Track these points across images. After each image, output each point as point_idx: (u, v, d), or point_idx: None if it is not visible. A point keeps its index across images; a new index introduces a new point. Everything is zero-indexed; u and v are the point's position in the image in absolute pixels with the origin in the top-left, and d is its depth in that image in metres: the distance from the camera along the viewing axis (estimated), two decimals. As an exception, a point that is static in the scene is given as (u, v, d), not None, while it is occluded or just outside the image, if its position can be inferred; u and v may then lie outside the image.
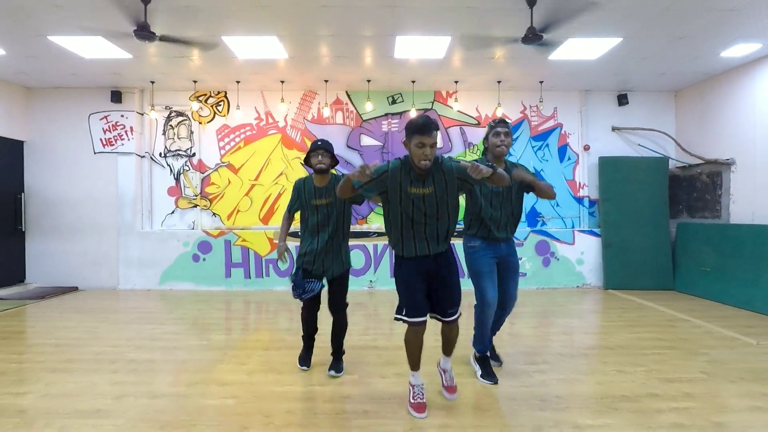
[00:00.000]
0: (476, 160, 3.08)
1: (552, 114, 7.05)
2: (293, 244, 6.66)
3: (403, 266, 2.63)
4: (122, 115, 6.77)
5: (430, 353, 3.15)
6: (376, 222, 6.89)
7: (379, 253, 6.70)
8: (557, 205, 7.06)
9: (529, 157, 7.03)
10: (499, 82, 6.48)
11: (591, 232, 6.87)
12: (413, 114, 6.75)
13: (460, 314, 2.72)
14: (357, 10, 4.22)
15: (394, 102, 6.94)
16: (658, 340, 4.17)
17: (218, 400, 2.82)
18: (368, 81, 6.40)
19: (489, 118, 6.94)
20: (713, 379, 3.19)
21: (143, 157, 6.93)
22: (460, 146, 6.98)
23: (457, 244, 3.19)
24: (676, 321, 4.86)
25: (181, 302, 5.92)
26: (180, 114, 6.96)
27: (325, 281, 3.22)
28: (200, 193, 6.98)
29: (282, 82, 6.44)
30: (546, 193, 3.06)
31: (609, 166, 6.87)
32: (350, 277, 3.34)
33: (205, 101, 6.96)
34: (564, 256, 6.80)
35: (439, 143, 6.95)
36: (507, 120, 3.14)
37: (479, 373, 3.16)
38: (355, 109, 6.94)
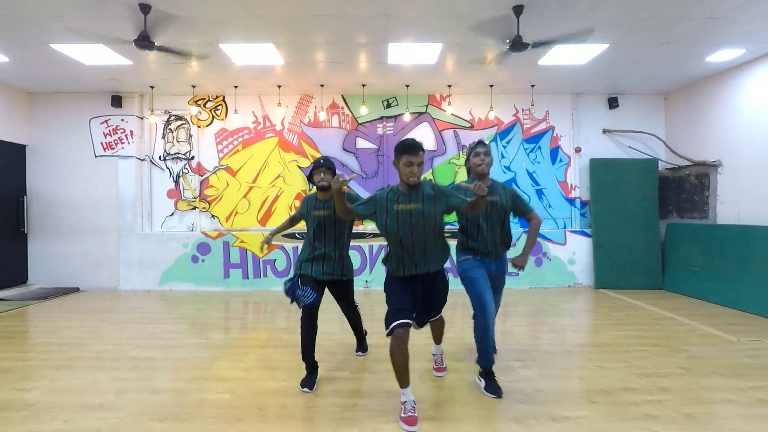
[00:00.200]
0: (465, 181, 3.23)
1: (544, 117, 7.19)
2: (293, 245, 6.83)
3: (392, 281, 2.78)
4: (122, 120, 6.92)
5: (421, 350, 3.30)
6: (371, 223, 7.03)
7: (375, 254, 6.83)
8: (549, 206, 7.20)
9: (521, 159, 7.17)
10: (491, 86, 6.62)
11: (582, 233, 7.01)
12: (407, 117, 6.90)
13: (440, 315, 3.02)
14: (351, 19, 4.36)
15: (389, 106, 7.08)
16: (642, 337, 4.31)
17: (215, 395, 2.96)
18: (363, 85, 6.54)
19: (482, 121, 7.09)
20: (689, 374, 3.32)
21: (143, 160, 7.07)
22: (453, 149, 7.11)
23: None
24: (662, 319, 4.99)
25: (180, 302, 6.05)
26: (179, 118, 7.11)
27: (318, 294, 3.22)
28: (199, 195, 7.13)
29: (279, 86, 6.58)
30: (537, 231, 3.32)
31: (600, 168, 7.01)
32: None
33: (204, 105, 7.10)
34: (556, 257, 6.94)
35: (433, 146, 7.10)
36: (484, 141, 3.25)
37: (483, 386, 3.03)
38: (351, 112, 7.08)
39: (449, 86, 6.64)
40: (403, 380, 2.61)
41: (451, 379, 3.19)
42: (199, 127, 7.11)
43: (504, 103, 7.09)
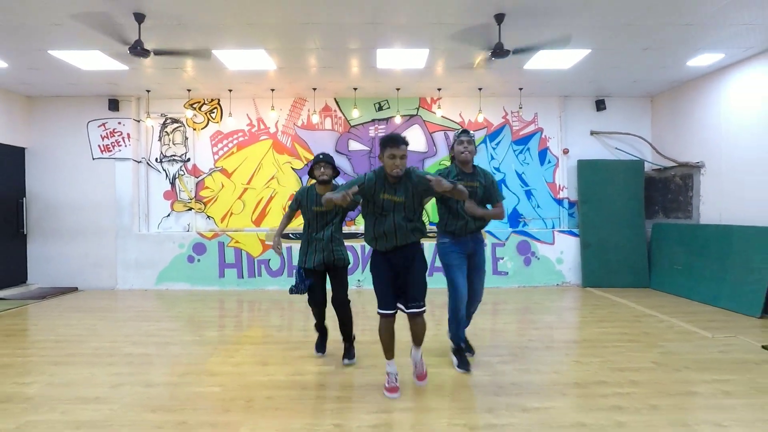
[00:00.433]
0: (448, 167, 3.44)
1: (533, 119, 7.34)
2: (286, 245, 6.98)
3: (376, 259, 3.01)
4: (119, 123, 7.07)
5: (404, 346, 3.44)
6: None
7: (367, 254, 6.97)
8: (538, 206, 7.35)
9: (510, 160, 7.32)
10: (480, 89, 6.78)
11: (570, 233, 7.16)
12: (398, 120, 7.05)
13: (425, 310, 3.00)
14: (340, 27, 4.51)
15: (380, 108, 7.23)
16: (622, 334, 4.46)
17: (206, 388, 3.11)
18: (355, 89, 6.69)
19: (472, 124, 7.24)
20: (661, 369, 3.47)
21: (140, 162, 7.22)
22: (444, 150, 7.26)
23: (429, 244, 3.49)
24: (643, 317, 5.15)
25: (176, 301, 6.20)
26: (175, 121, 7.26)
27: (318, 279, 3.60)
28: (195, 196, 7.27)
29: (272, 90, 6.73)
30: (495, 218, 3.54)
31: (587, 169, 7.16)
32: None
33: (199, 109, 7.25)
34: (544, 256, 7.09)
35: (424, 147, 7.25)
36: (469, 130, 3.48)
37: (456, 363, 3.46)
38: (343, 115, 7.23)
39: (439, 89, 6.80)
40: (389, 354, 3.00)
41: (430, 374, 3.32)
42: (194, 129, 7.26)
43: (493, 105, 7.24)
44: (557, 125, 7.34)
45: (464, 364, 3.43)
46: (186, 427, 2.57)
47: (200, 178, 7.28)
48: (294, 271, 3.58)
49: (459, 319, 3.41)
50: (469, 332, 3.96)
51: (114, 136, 7.07)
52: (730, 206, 5.82)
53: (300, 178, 7.24)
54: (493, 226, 7.13)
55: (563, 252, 7.12)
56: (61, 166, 7.06)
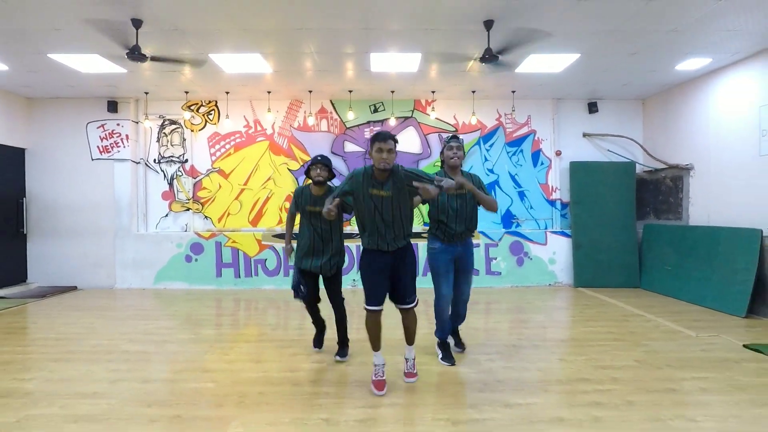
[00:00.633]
0: (437, 173, 3.54)
1: (526, 121, 7.45)
2: (282, 245, 7.09)
3: (366, 258, 3.12)
4: (118, 124, 7.17)
5: (396, 343, 3.56)
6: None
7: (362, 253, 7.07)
8: (531, 207, 7.46)
9: (504, 162, 7.42)
10: (473, 91, 6.88)
11: (562, 233, 7.26)
12: (393, 122, 7.16)
13: (417, 302, 3.20)
14: (334, 32, 4.60)
15: (375, 110, 7.33)
16: (608, 333, 4.56)
17: (200, 384, 3.22)
18: (350, 91, 6.80)
19: (466, 125, 7.34)
20: (643, 367, 3.58)
21: (138, 163, 7.32)
22: (438, 152, 7.36)
23: (423, 245, 3.60)
24: (631, 316, 5.25)
25: (174, 300, 6.30)
26: (173, 122, 7.36)
27: (312, 288, 3.71)
28: (192, 197, 7.38)
29: (269, 92, 6.83)
30: (488, 205, 3.54)
31: (580, 171, 7.26)
32: None
33: (197, 110, 7.35)
34: (537, 256, 7.20)
35: (419, 149, 7.35)
36: (458, 136, 3.62)
37: (440, 356, 3.68)
38: (339, 117, 7.33)
39: (433, 92, 6.90)
40: (375, 343, 3.15)
41: (421, 372, 3.42)
42: (192, 131, 7.36)
43: (487, 108, 7.34)
44: (550, 127, 7.44)
45: (448, 358, 3.62)
46: (180, 420, 2.68)
47: (198, 179, 7.38)
48: (291, 271, 3.72)
49: (443, 320, 3.64)
50: (461, 330, 4.11)
51: (113, 137, 7.17)
52: (718, 208, 5.93)
53: (296, 179, 7.35)
54: (486, 227, 7.25)
55: (555, 252, 7.22)
56: (60, 166, 7.16)
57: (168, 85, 6.51)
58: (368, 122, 7.34)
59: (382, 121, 7.33)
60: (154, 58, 4.66)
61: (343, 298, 3.81)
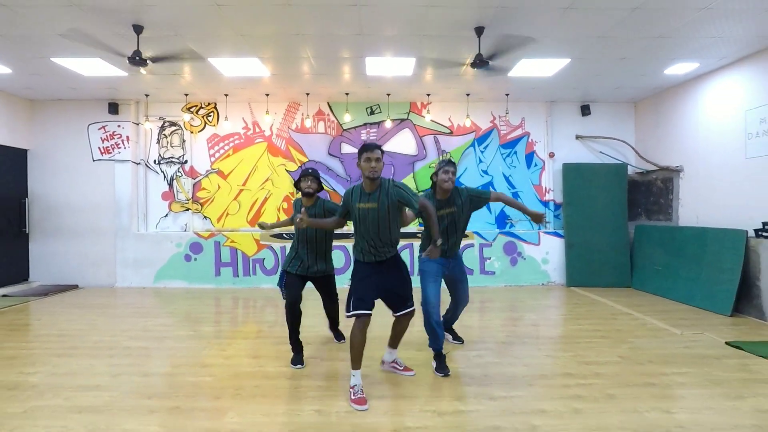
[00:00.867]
0: (424, 191, 3.72)
1: (520, 123, 7.58)
2: (281, 245, 7.22)
3: (357, 268, 3.19)
4: (119, 126, 7.30)
5: (378, 344, 3.68)
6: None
7: (358, 253, 7.21)
8: (525, 208, 7.58)
9: (498, 163, 7.55)
10: (468, 94, 7.01)
11: (555, 234, 7.39)
12: (389, 124, 7.29)
13: (413, 310, 3.26)
14: (331, 37, 4.74)
15: (372, 113, 7.46)
16: (595, 331, 4.69)
17: (198, 378, 3.35)
18: (347, 94, 6.93)
19: (461, 127, 7.47)
20: (625, 362, 3.71)
21: (139, 164, 7.46)
22: (433, 153, 7.49)
23: (416, 244, 3.71)
24: (619, 315, 5.38)
25: (173, 299, 6.43)
26: (173, 124, 7.49)
27: (297, 290, 3.77)
28: (192, 197, 7.51)
29: (267, 95, 6.96)
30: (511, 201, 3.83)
31: (573, 172, 7.39)
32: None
33: (196, 112, 7.48)
34: (530, 256, 7.33)
35: (414, 151, 7.48)
36: (453, 161, 3.73)
37: (434, 366, 3.51)
38: (336, 119, 7.46)
39: (428, 95, 7.03)
40: (357, 361, 3.00)
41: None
42: (191, 132, 7.49)
43: (481, 110, 7.48)
44: (544, 129, 7.57)
45: (442, 368, 3.46)
46: (179, 411, 2.81)
47: (197, 180, 7.51)
48: (279, 270, 3.86)
49: (433, 326, 3.50)
50: (455, 328, 4.24)
51: (113, 138, 7.30)
52: (706, 209, 6.06)
53: (294, 180, 7.46)
54: (480, 227, 7.38)
55: (548, 252, 7.35)
56: (62, 167, 7.29)
57: (168, 88, 6.64)
58: (365, 124, 7.47)
59: (378, 123, 7.46)
60: (154, 60, 4.78)
61: (338, 297, 3.94)
